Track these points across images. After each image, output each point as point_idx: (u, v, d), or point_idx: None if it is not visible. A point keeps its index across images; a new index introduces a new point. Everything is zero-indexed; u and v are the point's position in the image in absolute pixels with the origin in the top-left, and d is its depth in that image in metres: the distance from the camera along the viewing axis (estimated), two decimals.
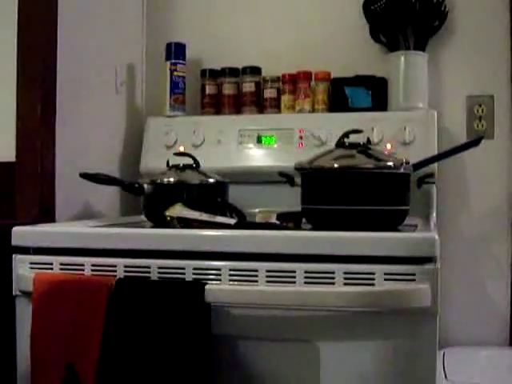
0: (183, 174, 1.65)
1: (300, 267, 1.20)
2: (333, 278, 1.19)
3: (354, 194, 1.38)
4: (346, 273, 1.18)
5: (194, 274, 1.24)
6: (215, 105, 2.02)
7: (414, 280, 1.16)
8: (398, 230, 1.39)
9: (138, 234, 1.34)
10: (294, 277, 1.20)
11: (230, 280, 1.23)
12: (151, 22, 2.13)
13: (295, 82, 1.95)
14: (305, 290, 1.19)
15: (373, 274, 1.17)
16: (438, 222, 1.67)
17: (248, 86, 1.99)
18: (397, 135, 1.79)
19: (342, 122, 1.75)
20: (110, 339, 1.22)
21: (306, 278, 1.20)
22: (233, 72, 2.01)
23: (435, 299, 1.15)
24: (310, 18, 2.03)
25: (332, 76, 1.94)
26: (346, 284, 1.18)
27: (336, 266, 1.19)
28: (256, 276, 1.22)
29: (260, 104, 1.99)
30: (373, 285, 1.17)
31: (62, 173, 1.60)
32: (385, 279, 1.17)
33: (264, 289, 1.21)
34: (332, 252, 1.19)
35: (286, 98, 1.96)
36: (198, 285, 1.21)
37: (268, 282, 1.21)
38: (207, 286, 1.20)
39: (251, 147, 1.89)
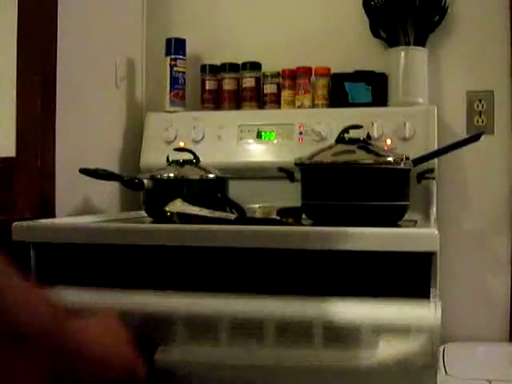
0: (183, 170, 1.65)
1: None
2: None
3: (353, 189, 1.38)
4: None
5: None
6: (215, 100, 2.01)
7: None
8: (397, 226, 1.39)
9: (137, 229, 1.34)
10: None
11: None
12: (151, 17, 2.13)
13: (295, 78, 1.94)
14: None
15: None
16: (438, 218, 1.67)
17: (248, 82, 1.98)
18: (397, 130, 1.78)
19: (342, 117, 1.75)
20: None
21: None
22: (233, 67, 2.00)
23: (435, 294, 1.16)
24: (309, 13, 2.03)
25: (332, 71, 1.93)
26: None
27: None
28: None
29: (260, 99, 1.99)
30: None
31: (62, 168, 1.60)
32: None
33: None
34: (332, 247, 1.19)
35: (285, 94, 1.95)
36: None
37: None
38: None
39: (251, 143, 1.89)
